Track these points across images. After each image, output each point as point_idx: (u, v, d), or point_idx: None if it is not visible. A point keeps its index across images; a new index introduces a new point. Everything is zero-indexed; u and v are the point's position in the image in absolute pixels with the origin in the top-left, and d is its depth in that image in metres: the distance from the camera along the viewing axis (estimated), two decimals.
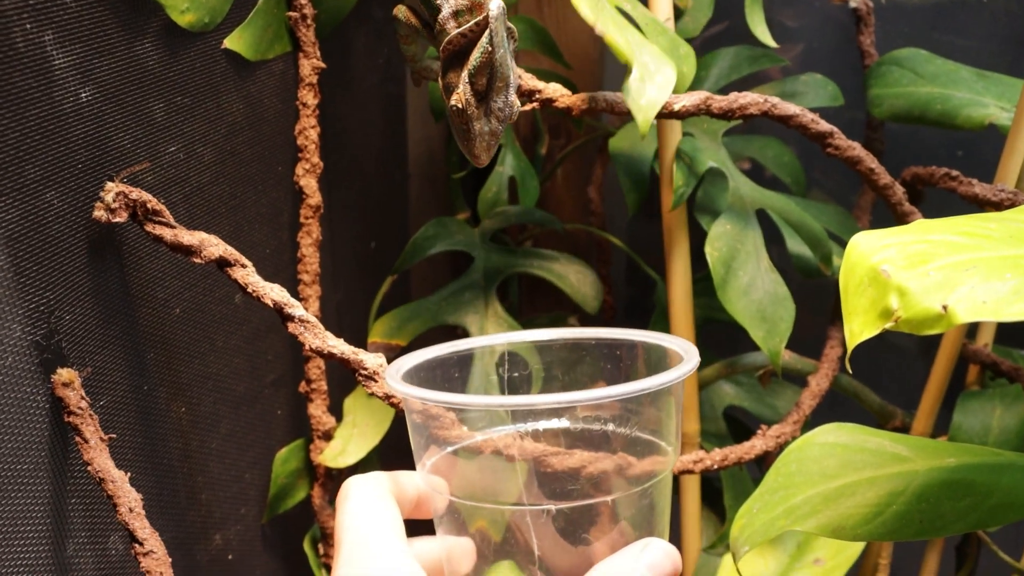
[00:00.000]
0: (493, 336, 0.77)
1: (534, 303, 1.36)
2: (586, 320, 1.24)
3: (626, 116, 0.88)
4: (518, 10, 1.32)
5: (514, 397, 0.68)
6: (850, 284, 0.63)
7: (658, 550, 0.61)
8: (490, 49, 0.72)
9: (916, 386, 1.11)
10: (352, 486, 0.63)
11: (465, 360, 0.75)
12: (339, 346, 0.76)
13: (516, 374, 0.78)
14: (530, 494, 0.65)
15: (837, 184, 1.37)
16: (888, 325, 0.59)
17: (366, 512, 0.61)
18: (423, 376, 0.70)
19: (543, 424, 0.69)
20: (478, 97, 0.74)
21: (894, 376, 1.21)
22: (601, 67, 1.33)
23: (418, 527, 0.67)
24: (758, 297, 0.94)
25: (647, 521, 0.65)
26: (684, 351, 0.66)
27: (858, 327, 0.62)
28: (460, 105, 0.73)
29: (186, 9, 0.80)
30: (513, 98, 0.76)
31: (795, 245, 1.08)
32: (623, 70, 0.84)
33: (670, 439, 0.66)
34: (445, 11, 0.77)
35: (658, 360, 0.70)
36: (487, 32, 0.72)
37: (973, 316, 0.55)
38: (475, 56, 0.73)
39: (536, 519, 0.64)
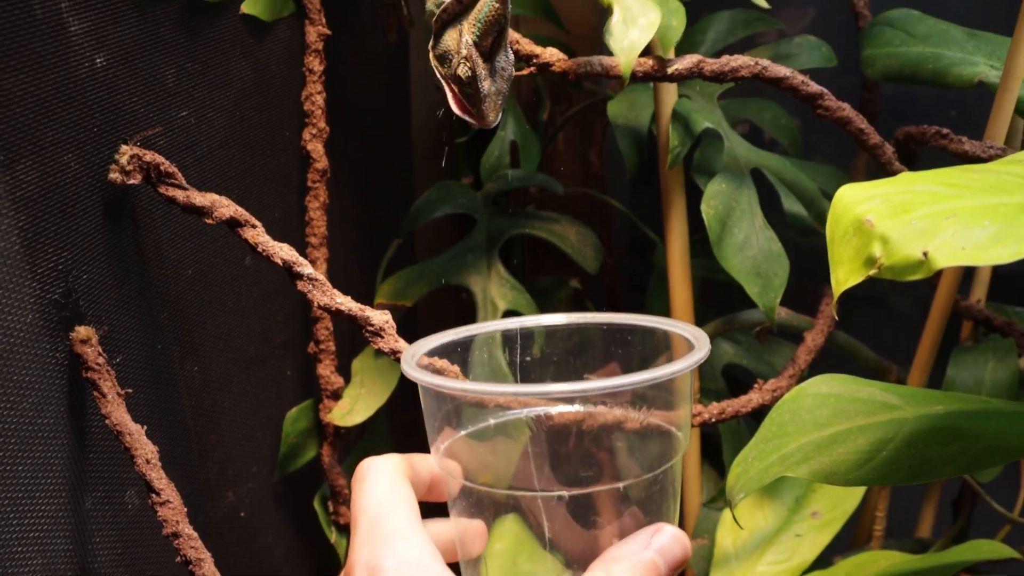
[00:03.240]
0: (506, 321, 0.78)
1: (537, 265, 1.39)
2: (588, 281, 1.27)
3: (622, 80, 0.90)
4: None
5: (528, 386, 0.69)
6: (836, 234, 0.65)
7: (668, 535, 0.62)
8: (498, 7, 0.72)
9: (911, 344, 1.14)
10: (367, 468, 0.63)
11: (477, 344, 0.76)
12: (346, 303, 0.78)
13: (528, 358, 0.79)
14: (542, 478, 0.66)
15: (835, 148, 1.39)
16: (871, 272, 0.61)
17: (381, 494, 0.61)
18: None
19: (555, 409, 0.70)
20: (484, 58, 0.74)
21: (890, 334, 1.24)
22: (597, 34, 1.35)
23: (431, 509, 0.68)
24: (753, 254, 0.96)
25: (657, 506, 0.66)
26: (695, 338, 0.67)
27: (843, 275, 0.64)
28: (468, 67, 0.74)
29: None
30: (511, 55, 0.76)
31: (791, 204, 1.10)
32: None
33: (681, 425, 0.67)
34: None
35: (669, 346, 0.72)
36: None
37: (952, 261, 0.58)
38: (481, 14, 0.73)
39: (548, 504, 0.65)
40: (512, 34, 0.89)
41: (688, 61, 0.90)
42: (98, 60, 0.75)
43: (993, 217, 0.60)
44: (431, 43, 0.78)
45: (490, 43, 0.74)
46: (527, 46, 0.89)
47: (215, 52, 0.88)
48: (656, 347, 0.72)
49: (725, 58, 0.91)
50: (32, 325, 0.72)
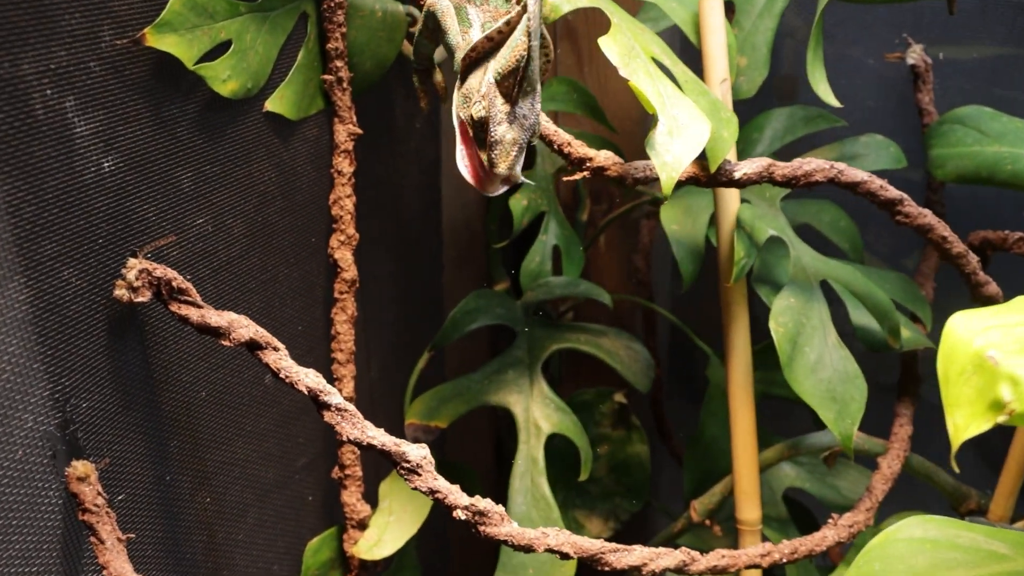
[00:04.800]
0: None
1: (577, 376, 1.29)
2: (634, 395, 1.18)
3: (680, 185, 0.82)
4: (558, 71, 1.27)
5: None
6: (951, 372, 0.58)
7: None
8: (524, 41, 0.64)
9: (992, 466, 1.04)
10: None
11: None
12: (379, 437, 0.69)
13: None
14: None
15: (888, 246, 1.31)
16: (1001, 419, 0.53)
17: None
18: None
19: None
20: (504, 99, 0.66)
21: (968, 455, 1.14)
22: (643, 128, 1.27)
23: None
24: (827, 375, 0.87)
25: None
26: None
27: (963, 420, 0.57)
28: (484, 106, 0.66)
29: (228, 77, 0.76)
30: (539, 107, 0.68)
31: (859, 316, 1.01)
32: None
33: None
34: (475, 28, 0.72)
35: None
36: (521, 24, 0.64)
37: None
38: (504, 53, 0.65)
39: None
40: (562, 135, 0.81)
41: (757, 165, 0.82)
42: (106, 164, 0.67)
43: None
44: (457, 84, 0.70)
45: (512, 84, 0.65)
46: (579, 149, 0.81)
47: (237, 153, 0.80)
48: None
49: (797, 161, 0.82)
50: (22, 462, 0.63)
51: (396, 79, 1.02)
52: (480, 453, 1.39)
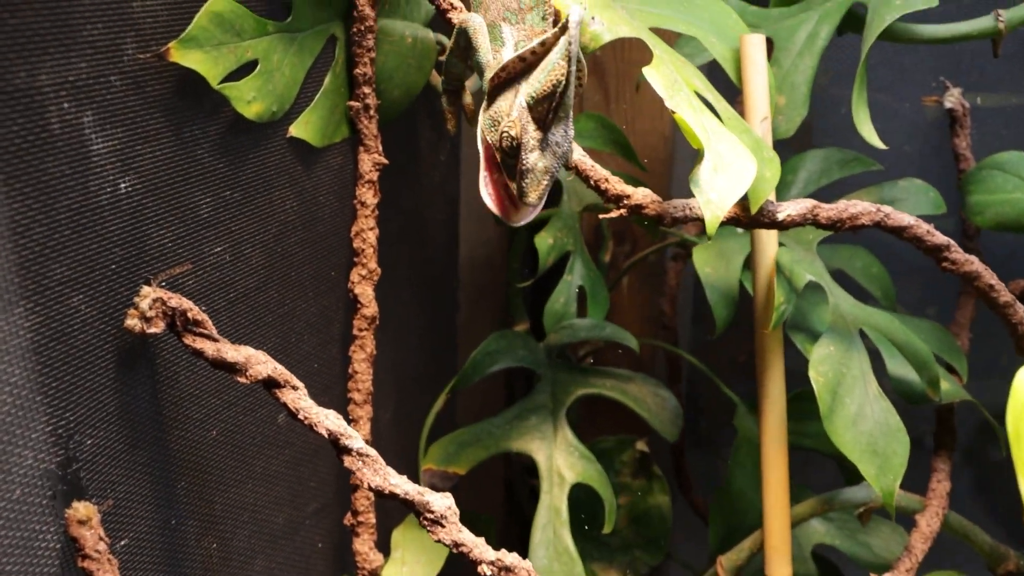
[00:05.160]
0: None
1: (595, 421, 1.25)
2: (656, 443, 1.13)
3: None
4: (584, 107, 1.24)
5: None
6: (1021, 429, 0.54)
7: None
8: (562, 66, 0.60)
9: None
10: None
11: None
12: (402, 485, 0.65)
13: None
14: None
15: (913, 295, 1.27)
16: None
17: None
18: None
19: None
20: (537, 125, 0.63)
21: (1006, 515, 1.10)
22: (670, 169, 1.24)
23: None
24: (868, 428, 0.83)
25: None
26: None
27: None
28: (515, 132, 0.62)
29: (253, 99, 0.72)
30: (571, 134, 0.64)
31: (896, 366, 0.96)
32: None
33: None
34: (508, 47, 0.69)
35: None
36: (560, 47, 0.60)
37: None
38: (539, 76, 0.62)
39: None
40: (599, 171, 0.77)
41: (801, 206, 0.78)
42: (122, 185, 0.63)
43: None
44: (484, 104, 0.66)
45: (546, 109, 0.62)
46: (617, 185, 0.77)
47: (258, 180, 0.76)
48: None
49: (843, 203, 0.79)
50: (19, 502, 0.59)
51: (423, 109, 0.99)
52: (491, 499, 1.34)
